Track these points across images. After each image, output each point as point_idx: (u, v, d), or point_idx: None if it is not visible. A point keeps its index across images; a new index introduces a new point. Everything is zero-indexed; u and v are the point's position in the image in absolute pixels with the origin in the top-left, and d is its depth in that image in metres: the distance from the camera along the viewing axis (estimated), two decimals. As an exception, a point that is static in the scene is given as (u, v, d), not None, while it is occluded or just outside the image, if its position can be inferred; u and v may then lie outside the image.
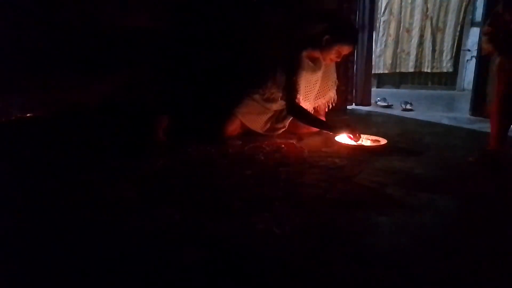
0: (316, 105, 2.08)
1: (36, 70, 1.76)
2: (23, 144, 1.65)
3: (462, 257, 0.77)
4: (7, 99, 1.70)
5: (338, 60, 1.91)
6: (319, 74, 1.99)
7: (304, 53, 1.89)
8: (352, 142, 1.76)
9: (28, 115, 1.73)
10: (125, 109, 1.94)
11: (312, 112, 2.03)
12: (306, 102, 1.97)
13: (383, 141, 1.73)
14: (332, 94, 2.12)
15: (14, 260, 0.80)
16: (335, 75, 2.11)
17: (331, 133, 1.86)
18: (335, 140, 1.79)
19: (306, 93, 1.96)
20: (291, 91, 1.88)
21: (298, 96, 1.89)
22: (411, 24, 5.24)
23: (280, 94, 1.98)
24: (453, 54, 5.30)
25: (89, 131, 1.80)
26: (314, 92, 2.03)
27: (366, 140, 1.79)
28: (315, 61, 1.94)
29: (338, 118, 2.34)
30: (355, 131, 1.77)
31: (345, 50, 1.83)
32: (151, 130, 1.86)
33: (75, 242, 0.85)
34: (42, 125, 1.74)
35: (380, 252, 0.79)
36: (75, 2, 1.94)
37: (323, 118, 2.10)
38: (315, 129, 2.08)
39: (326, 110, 2.14)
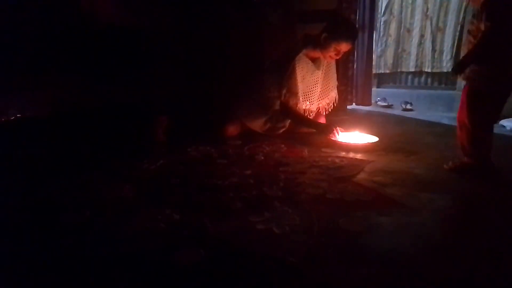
0: (320, 105, 2.08)
1: (36, 70, 1.76)
2: (23, 144, 1.64)
3: (462, 257, 0.77)
4: (7, 99, 1.70)
5: (338, 57, 1.91)
6: (319, 74, 1.99)
7: (304, 52, 1.90)
8: (347, 141, 1.78)
9: (28, 115, 1.73)
10: (125, 109, 1.94)
11: (316, 113, 2.04)
12: (307, 102, 1.98)
13: (374, 139, 1.75)
14: (334, 94, 2.12)
15: (14, 260, 0.80)
16: (335, 76, 2.12)
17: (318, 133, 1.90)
18: (335, 140, 1.80)
19: (306, 93, 1.97)
20: (285, 93, 1.92)
21: (297, 97, 1.91)
22: (411, 24, 5.22)
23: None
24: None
25: (89, 131, 1.80)
26: (316, 92, 2.02)
27: (356, 138, 1.82)
28: (315, 61, 1.95)
29: (338, 118, 2.34)
30: (332, 127, 1.81)
31: (343, 47, 1.83)
32: (151, 130, 1.86)
33: (75, 242, 0.85)
34: (42, 125, 1.74)
35: (380, 252, 0.79)
36: (75, 2, 1.94)
37: (324, 119, 2.10)
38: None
39: (329, 110, 2.14)
